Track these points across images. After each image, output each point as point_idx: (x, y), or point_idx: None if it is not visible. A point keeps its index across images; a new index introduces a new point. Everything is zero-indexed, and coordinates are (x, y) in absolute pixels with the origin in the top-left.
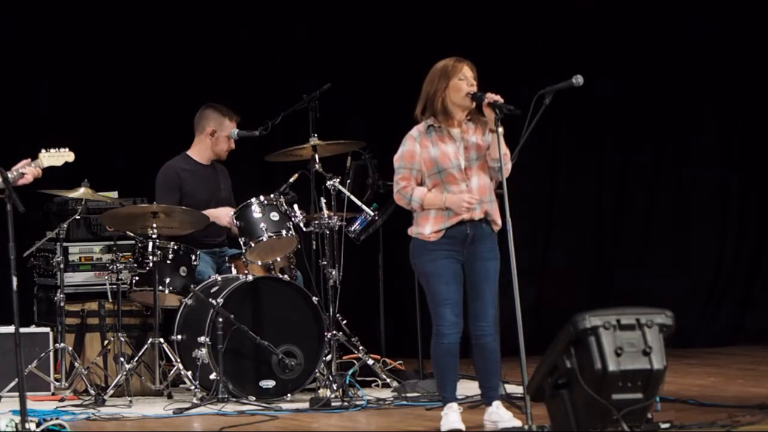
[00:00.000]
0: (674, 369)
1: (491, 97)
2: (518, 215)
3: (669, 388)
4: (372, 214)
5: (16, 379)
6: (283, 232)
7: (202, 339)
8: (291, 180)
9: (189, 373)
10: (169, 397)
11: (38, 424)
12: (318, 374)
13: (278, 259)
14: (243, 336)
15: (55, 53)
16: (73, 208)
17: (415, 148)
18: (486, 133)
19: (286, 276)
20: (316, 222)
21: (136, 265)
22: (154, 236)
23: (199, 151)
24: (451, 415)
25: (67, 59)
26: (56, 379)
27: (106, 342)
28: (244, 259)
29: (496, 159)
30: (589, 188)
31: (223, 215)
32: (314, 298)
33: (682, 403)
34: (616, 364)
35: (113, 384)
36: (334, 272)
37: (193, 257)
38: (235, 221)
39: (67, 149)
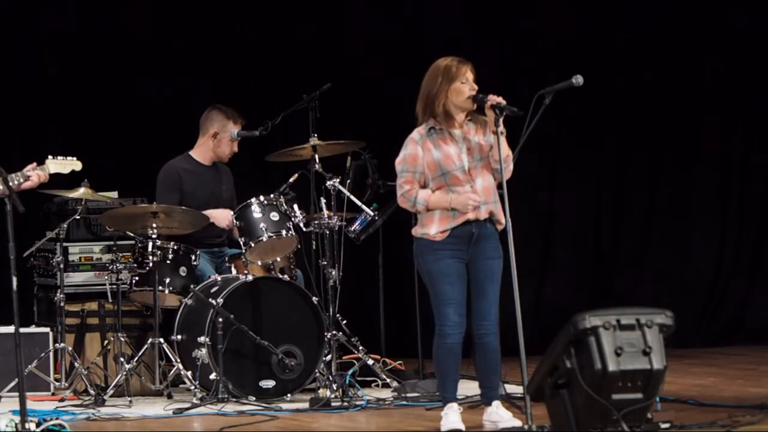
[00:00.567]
0: (674, 369)
1: (494, 99)
2: (518, 215)
3: (669, 388)
4: (372, 214)
5: (16, 379)
6: (283, 232)
7: (202, 339)
8: (291, 180)
9: (189, 373)
10: (169, 397)
11: (38, 424)
12: (318, 374)
13: (278, 259)
14: (243, 336)
15: (55, 53)
16: (73, 208)
17: (418, 151)
18: (487, 134)
19: (286, 276)
20: (316, 222)
21: (136, 265)
22: (154, 236)
23: (202, 152)
24: (451, 415)
25: (67, 59)
26: (56, 379)
27: (106, 342)
28: (244, 259)
29: (497, 160)
30: (589, 188)
31: (222, 217)
32: (314, 298)
33: (682, 403)
34: (616, 364)
35: (113, 384)
36: (334, 272)
37: (193, 257)
38: (235, 222)
39: (74, 158)
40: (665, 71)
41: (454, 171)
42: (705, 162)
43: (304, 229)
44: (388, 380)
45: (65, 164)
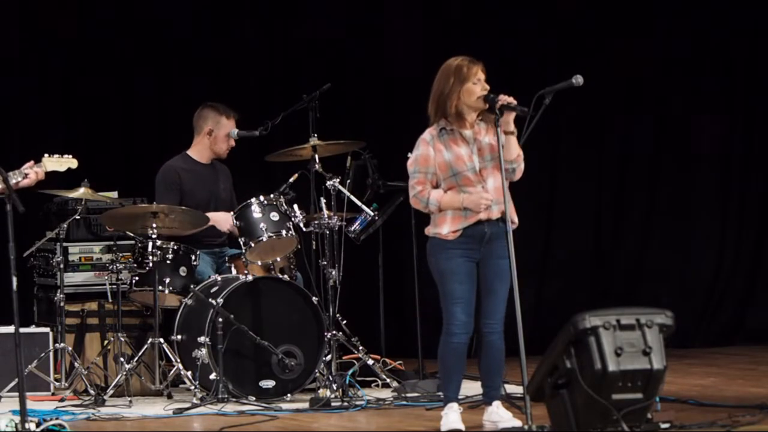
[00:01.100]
0: (674, 369)
1: (504, 99)
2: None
3: (669, 388)
4: (372, 214)
5: (16, 379)
6: (283, 232)
7: (202, 339)
8: (291, 180)
9: (189, 373)
10: (169, 397)
11: (38, 424)
12: (318, 374)
13: (278, 259)
14: (243, 336)
15: (55, 53)
16: (73, 208)
17: (429, 151)
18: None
19: (286, 276)
20: (316, 222)
21: (135, 265)
22: (154, 236)
23: (199, 151)
24: (451, 415)
25: (67, 59)
26: (56, 379)
27: (106, 342)
28: (244, 259)
29: (508, 161)
30: (589, 188)
31: (223, 221)
32: (314, 298)
33: (682, 403)
34: (616, 364)
35: (113, 384)
36: (334, 272)
37: (193, 257)
38: (235, 222)
39: (70, 156)
40: (665, 71)
41: (465, 172)
42: (705, 162)
43: (304, 229)
44: (388, 380)
45: (62, 162)
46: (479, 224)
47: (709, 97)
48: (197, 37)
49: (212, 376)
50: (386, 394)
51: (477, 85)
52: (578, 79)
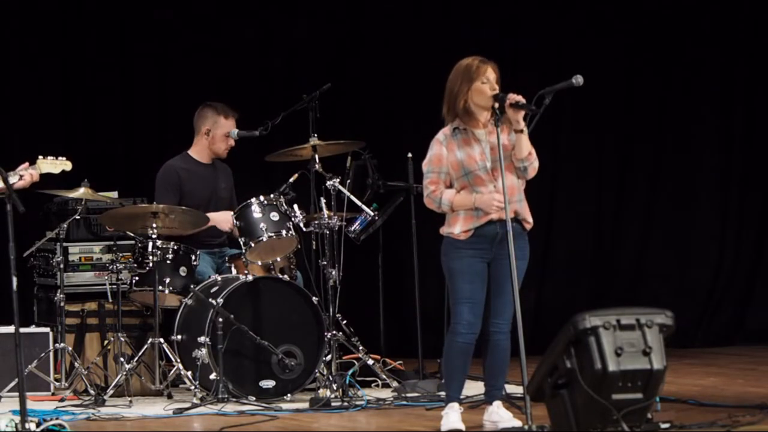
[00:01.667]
0: (674, 369)
1: (513, 97)
2: None
3: (669, 388)
4: (372, 214)
5: (16, 379)
6: (283, 232)
7: (202, 339)
8: (291, 180)
9: (189, 373)
10: (169, 397)
11: (38, 424)
12: (318, 374)
13: (278, 259)
14: (243, 336)
15: (55, 53)
16: (73, 208)
17: (442, 151)
18: (511, 133)
19: (286, 276)
20: (316, 222)
21: (136, 265)
22: (154, 236)
23: (199, 151)
24: (452, 414)
25: (67, 59)
26: (56, 379)
27: (106, 342)
28: (244, 259)
29: (519, 159)
30: (589, 188)
31: (224, 221)
32: (314, 298)
33: (682, 403)
34: (616, 364)
35: (113, 384)
36: (334, 272)
37: (193, 257)
38: (235, 222)
39: (64, 158)
40: (665, 72)
41: (477, 171)
42: (705, 162)
43: (304, 229)
44: (388, 380)
45: (56, 164)
46: (491, 224)
47: (709, 98)
48: (198, 37)
49: (212, 376)
50: (386, 394)
51: (486, 85)
52: (578, 79)
